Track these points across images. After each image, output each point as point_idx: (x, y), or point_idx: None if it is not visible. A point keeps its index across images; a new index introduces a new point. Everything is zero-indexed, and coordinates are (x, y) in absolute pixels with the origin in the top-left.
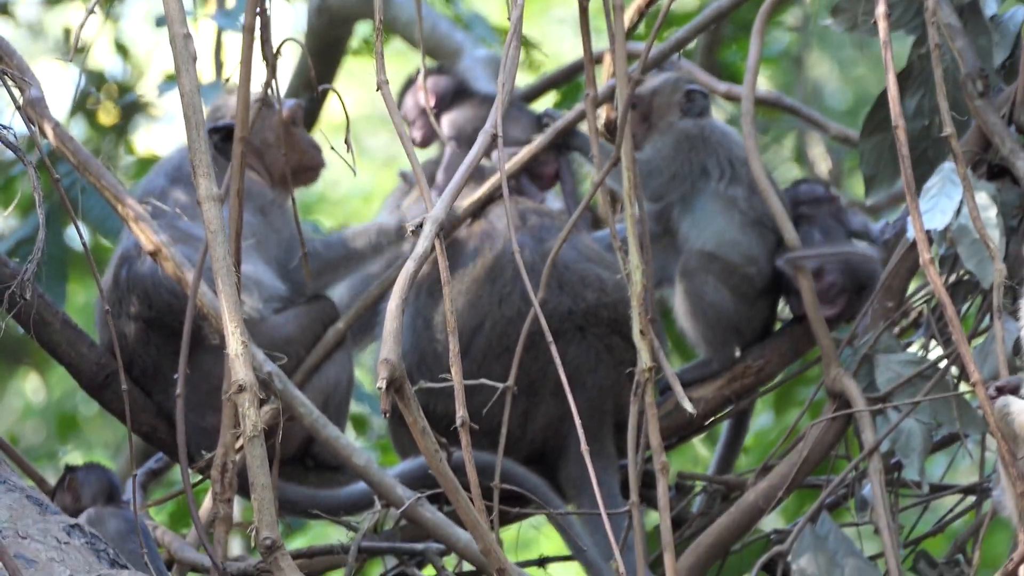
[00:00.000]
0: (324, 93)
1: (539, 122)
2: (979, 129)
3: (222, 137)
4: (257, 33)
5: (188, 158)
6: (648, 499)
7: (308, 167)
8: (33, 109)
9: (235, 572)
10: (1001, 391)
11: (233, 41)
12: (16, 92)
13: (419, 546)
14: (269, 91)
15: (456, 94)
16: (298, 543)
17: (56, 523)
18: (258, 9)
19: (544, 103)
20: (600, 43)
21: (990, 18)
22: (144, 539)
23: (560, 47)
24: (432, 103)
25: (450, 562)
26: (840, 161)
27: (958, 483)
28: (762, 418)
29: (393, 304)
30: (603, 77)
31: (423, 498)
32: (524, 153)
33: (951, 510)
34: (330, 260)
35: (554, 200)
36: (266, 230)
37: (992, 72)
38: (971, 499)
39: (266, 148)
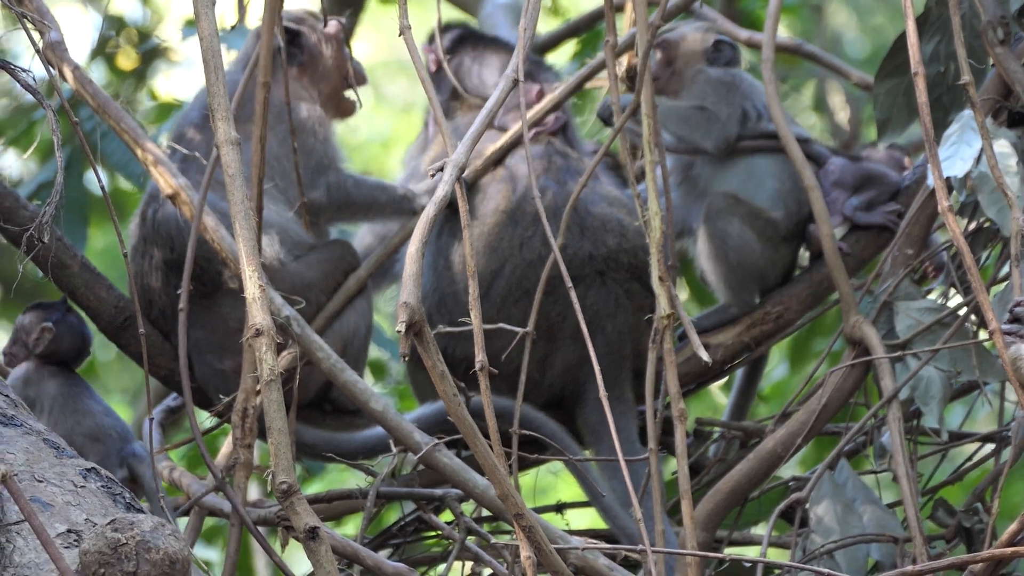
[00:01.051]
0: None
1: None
2: (999, 76)
3: (288, 40)
4: None
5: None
6: (666, 446)
7: (351, 86)
8: (53, 52)
9: (256, 519)
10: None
11: None
12: (36, 35)
13: (437, 492)
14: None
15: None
16: (315, 488)
17: (72, 467)
18: None
19: (565, 51)
20: None
21: None
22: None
23: None
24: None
25: (468, 508)
26: (859, 109)
27: (977, 431)
28: (779, 368)
29: (413, 248)
30: (624, 25)
31: (441, 444)
32: (547, 101)
33: (970, 458)
34: (354, 199)
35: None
36: (287, 152)
37: (1012, 19)
38: (990, 447)
39: (316, 63)
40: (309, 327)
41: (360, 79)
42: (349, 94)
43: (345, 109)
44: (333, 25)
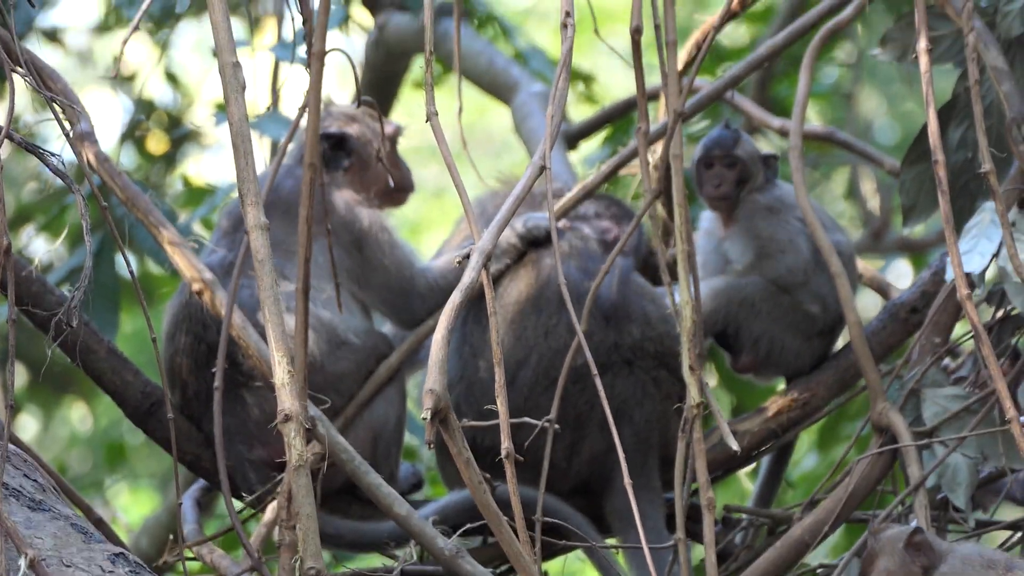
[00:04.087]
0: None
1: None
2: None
3: (332, 144)
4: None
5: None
6: (693, 533)
7: (401, 188)
8: (82, 142)
9: None
10: None
11: (291, 72)
12: (66, 123)
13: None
14: (373, 110)
15: None
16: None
17: (100, 551)
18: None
19: (598, 138)
20: (653, 78)
21: None
22: None
23: (611, 78)
24: None
25: None
26: (890, 196)
27: (1004, 519)
28: (809, 459)
29: (439, 334)
30: (659, 114)
31: (464, 550)
32: (578, 188)
33: (1002, 544)
34: (437, 296)
35: None
36: (361, 268)
37: None
38: (1018, 535)
39: (369, 163)
40: (334, 427)
41: (409, 184)
42: (406, 183)
43: (397, 200)
44: (391, 128)
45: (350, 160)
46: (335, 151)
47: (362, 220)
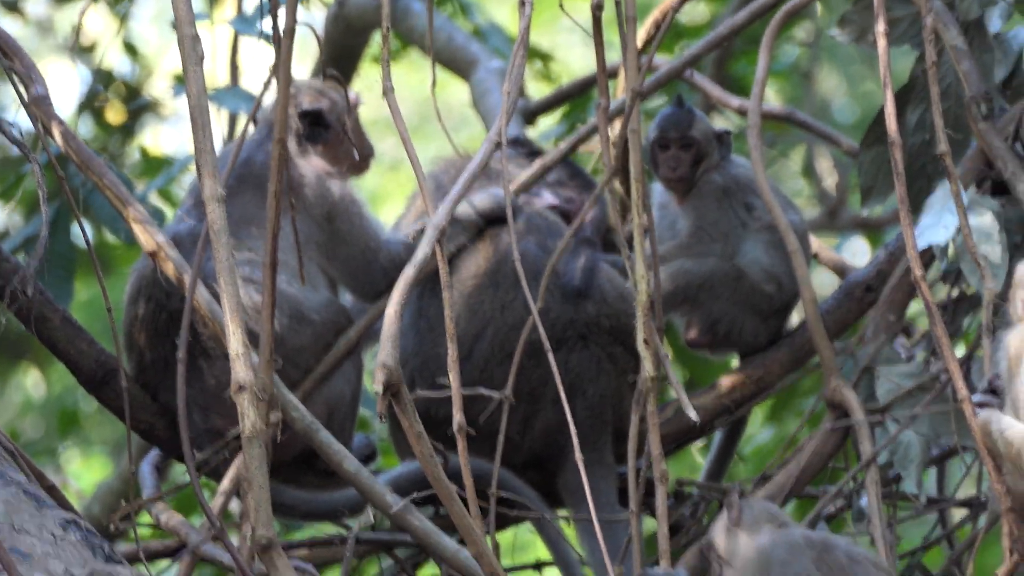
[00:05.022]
0: None
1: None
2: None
3: (310, 122)
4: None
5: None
6: (645, 506)
7: (364, 157)
8: (38, 107)
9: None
10: (982, 407)
11: (251, 45)
12: (22, 90)
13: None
14: (338, 83)
15: None
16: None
17: (52, 518)
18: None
19: (557, 115)
20: (613, 55)
21: (994, 35)
22: None
23: (570, 56)
24: None
25: None
26: (847, 175)
27: (955, 496)
28: (763, 433)
29: (391, 309)
30: (618, 91)
31: (412, 507)
32: (537, 166)
33: (935, 523)
34: (400, 270)
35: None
36: (331, 240)
37: (995, 93)
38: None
39: (338, 136)
40: (285, 387)
41: (371, 151)
42: (369, 151)
43: (359, 168)
44: (354, 97)
45: (327, 135)
46: (312, 127)
47: (334, 192)
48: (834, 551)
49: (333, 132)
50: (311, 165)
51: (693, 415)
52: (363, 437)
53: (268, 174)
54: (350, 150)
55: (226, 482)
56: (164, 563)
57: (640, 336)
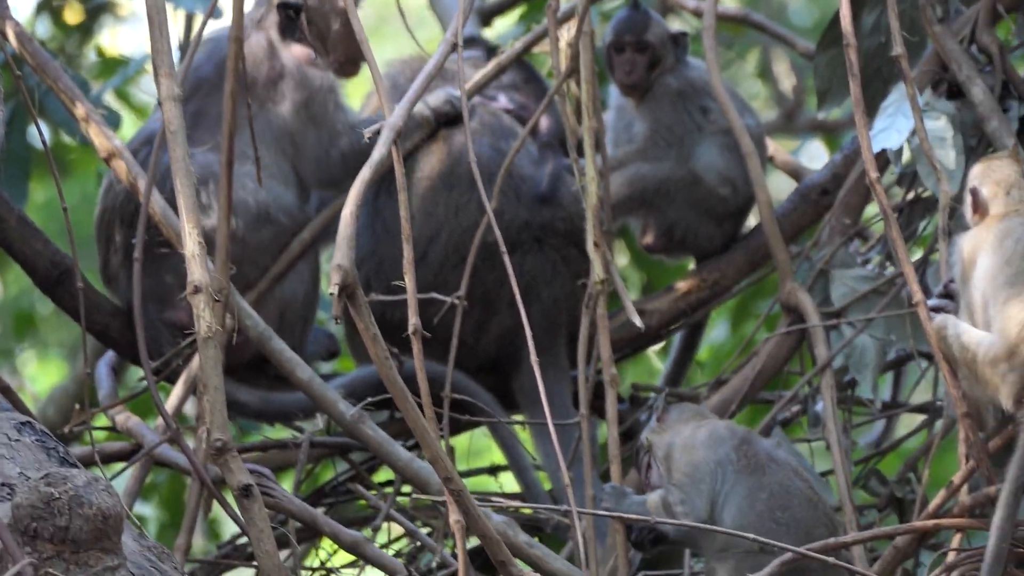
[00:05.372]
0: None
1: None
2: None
3: (288, 15)
4: None
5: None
6: (599, 411)
7: (353, 60)
8: None
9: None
10: (937, 311)
11: None
12: None
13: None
14: None
15: None
16: None
17: (6, 420)
18: None
19: (511, 18)
20: None
21: None
22: None
23: None
24: None
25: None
26: (804, 78)
27: (911, 402)
28: (718, 332)
29: (347, 210)
30: None
31: (365, 415)
32: (492, 66)
33: (915, 431)
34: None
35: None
36: (303, 127)
37: None
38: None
39: (325, 33)
40: (238, 293)
41: (360, 56)
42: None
43: (348, 71)
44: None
45: (307, 29)
46: (289, 20)
47: (313, 81)
48: (755, 445)
49: (315, 28)
50: (292, 55)
51: (638, 322)
52: (324, 333)
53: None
54: (338, 47)
55: (181, 384)
56: (120, 466)
57: (590, 240)
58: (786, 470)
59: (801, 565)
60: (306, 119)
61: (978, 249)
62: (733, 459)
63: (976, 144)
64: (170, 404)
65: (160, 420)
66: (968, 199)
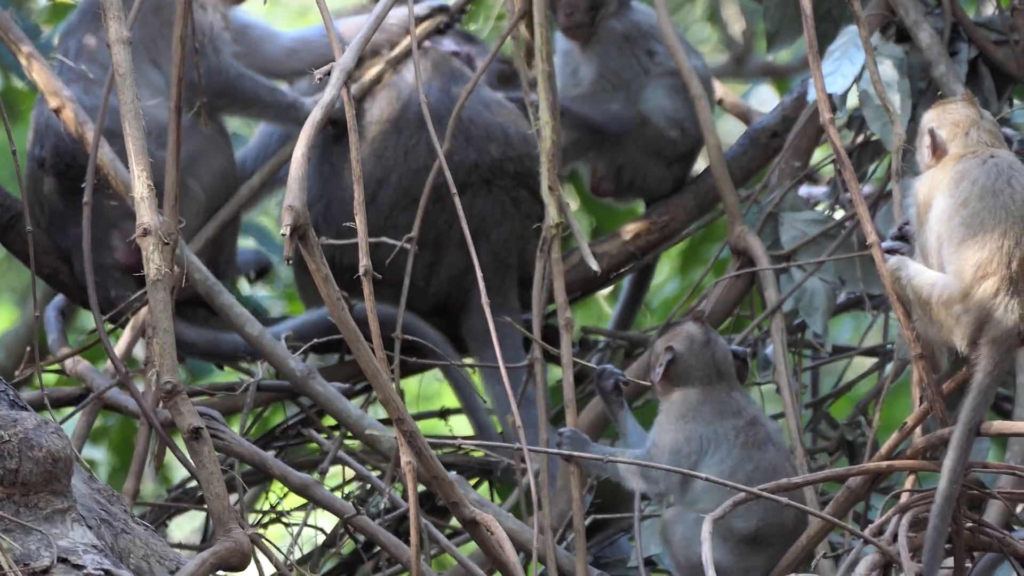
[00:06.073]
0: None
1: None
2: None
3: None
4: None
5: None
6: (551, 354)
7: None
8: None
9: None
10: (891, 253)
11: None
12: None
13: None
14: None
15: None
16: None
17: None
18: None
19: None
20: None
21: None
22: None
23: None
24: None
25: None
26: (753, 21)
27: (862, 346)
28: (671, 284)
29: (298, 152)
30: None
31: (315, 370)
32: (437, 4)
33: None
34: (234, 90)
35: None
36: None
37: None
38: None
39: None
40: (188, 247)
41: None
42: None
43: None
44: None
45: None
46: None
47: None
48: (760, 427)
49: None
50: None
51: (594, 265)
52: (252, 252)
53: None
54: None
55: (130, 328)
56: (70, 411)
57: (544, 183)
58: (783, 453)
59: (763, 536)
60: (161, 23)
61: (934, 191)
62: (731, 437)
63: (925, 88)
64: (120, 348)
65: (110, 364)
66: (927, 140)
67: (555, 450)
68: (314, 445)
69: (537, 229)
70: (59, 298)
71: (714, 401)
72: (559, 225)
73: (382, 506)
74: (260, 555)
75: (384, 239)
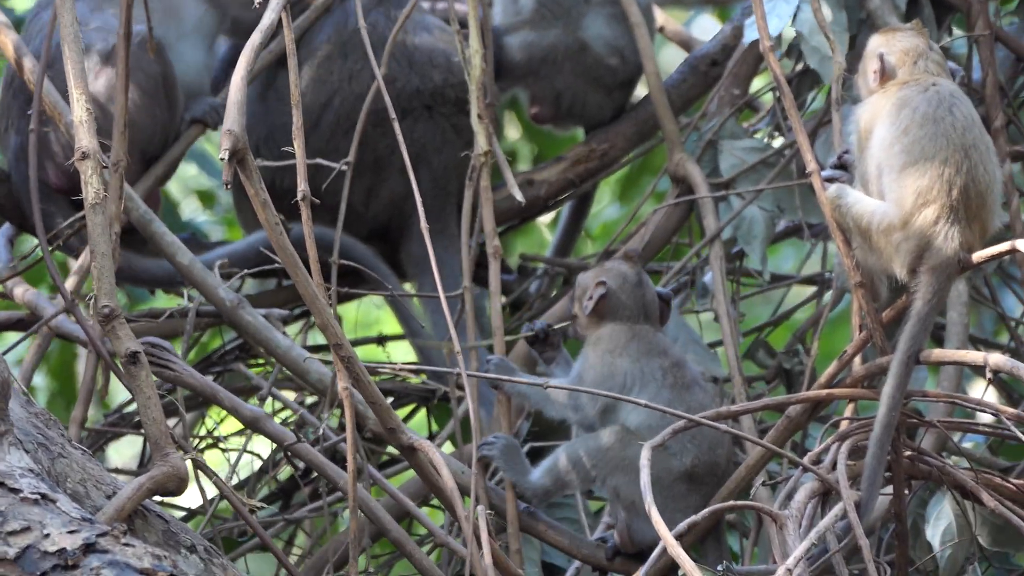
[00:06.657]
0: None
1: None
2: None
3: None
4: None
5: None
6: (486, 282)
7: None
8: None
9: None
10: (831, 181)
11: None
12: None
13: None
14: None
15: None
16: None
17: None
18: None
19: None
20: None
21: None
22: None
23: None
24: None
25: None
26: None
27: (800, 274)
28: (610, 208)
29: (237, 75)
30: None
31: (245, 301)
32: None
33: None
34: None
35: None
36: None
37: None
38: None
39: None
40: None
41: None
42: None
43: None
44: None
45: None
46: None
47: None
48: (686, 368)
49: None
50: None
51: (519, 196)
52: (206, 100)
53: None
54: None
55: (81, 259)
56: (14, 336)
57: (474, 111)
58: (709, 394)
59: (699, 473)
60: None
61: (875, 118)
62: (659, 376)
63: (865, 18)
64: (70, 280)
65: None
66: (875, 65)
67: (482, 374)
68: (256, 369)
69: (467, 156)
70: (7, 226)
71: (642, 339)
72: (487, 153)
73: (320, 432)
74: (201, 480)
75: (321, 161)
